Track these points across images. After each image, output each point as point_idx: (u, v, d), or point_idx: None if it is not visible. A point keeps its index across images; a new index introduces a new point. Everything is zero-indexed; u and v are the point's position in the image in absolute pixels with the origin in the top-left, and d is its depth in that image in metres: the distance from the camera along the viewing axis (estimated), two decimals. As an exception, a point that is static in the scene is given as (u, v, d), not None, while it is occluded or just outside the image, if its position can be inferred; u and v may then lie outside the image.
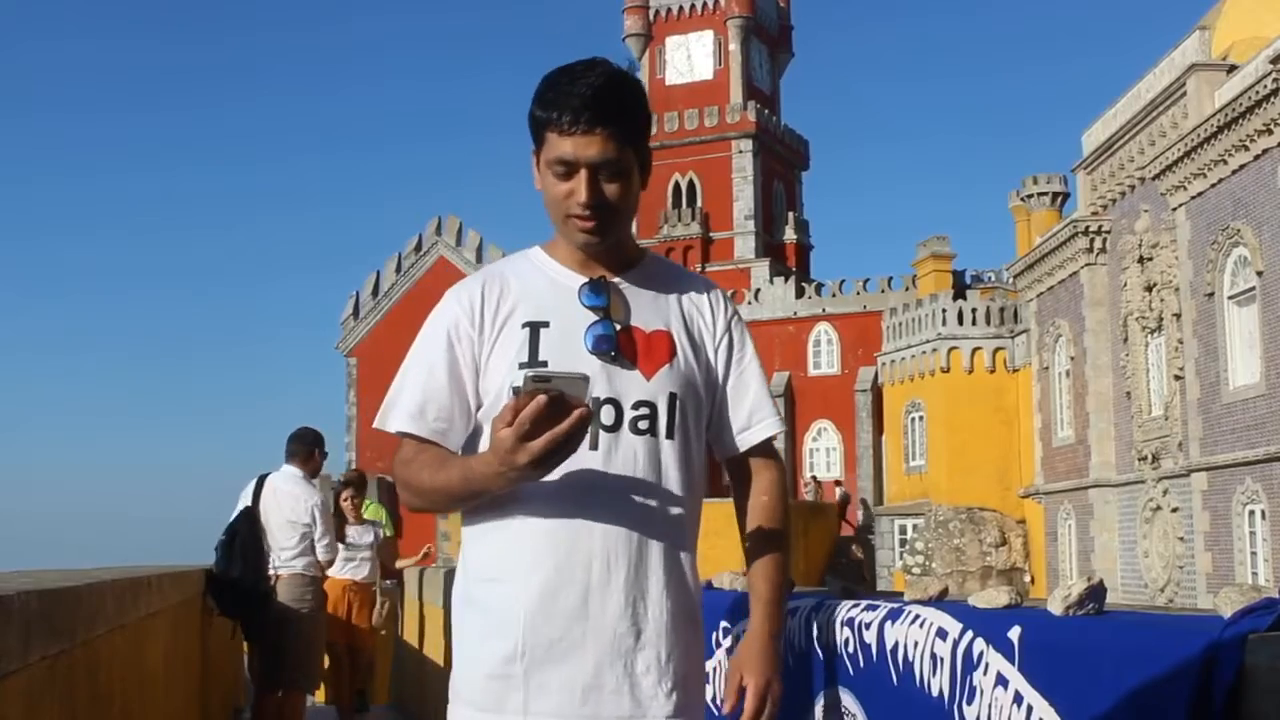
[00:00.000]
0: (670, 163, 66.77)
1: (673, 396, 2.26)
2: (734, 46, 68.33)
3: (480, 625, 2.21)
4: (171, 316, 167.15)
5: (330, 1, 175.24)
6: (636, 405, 2.23)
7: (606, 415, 2.20)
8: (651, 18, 69.62)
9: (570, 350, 2.23)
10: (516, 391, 2.16)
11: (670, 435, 2.25)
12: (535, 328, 2.25)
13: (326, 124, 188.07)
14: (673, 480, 2.25)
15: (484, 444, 2.24)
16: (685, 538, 2.30)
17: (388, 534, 11.27)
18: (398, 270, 63.10)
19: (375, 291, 63.25)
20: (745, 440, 2.38)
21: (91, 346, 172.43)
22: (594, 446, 2.18)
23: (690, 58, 69.01)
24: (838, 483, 52.91)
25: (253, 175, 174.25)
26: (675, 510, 2.26)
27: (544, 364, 2.21)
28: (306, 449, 8.09)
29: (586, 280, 2.28)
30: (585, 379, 2.03)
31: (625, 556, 2.20)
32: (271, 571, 7.81)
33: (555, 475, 2.08)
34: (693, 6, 68.91)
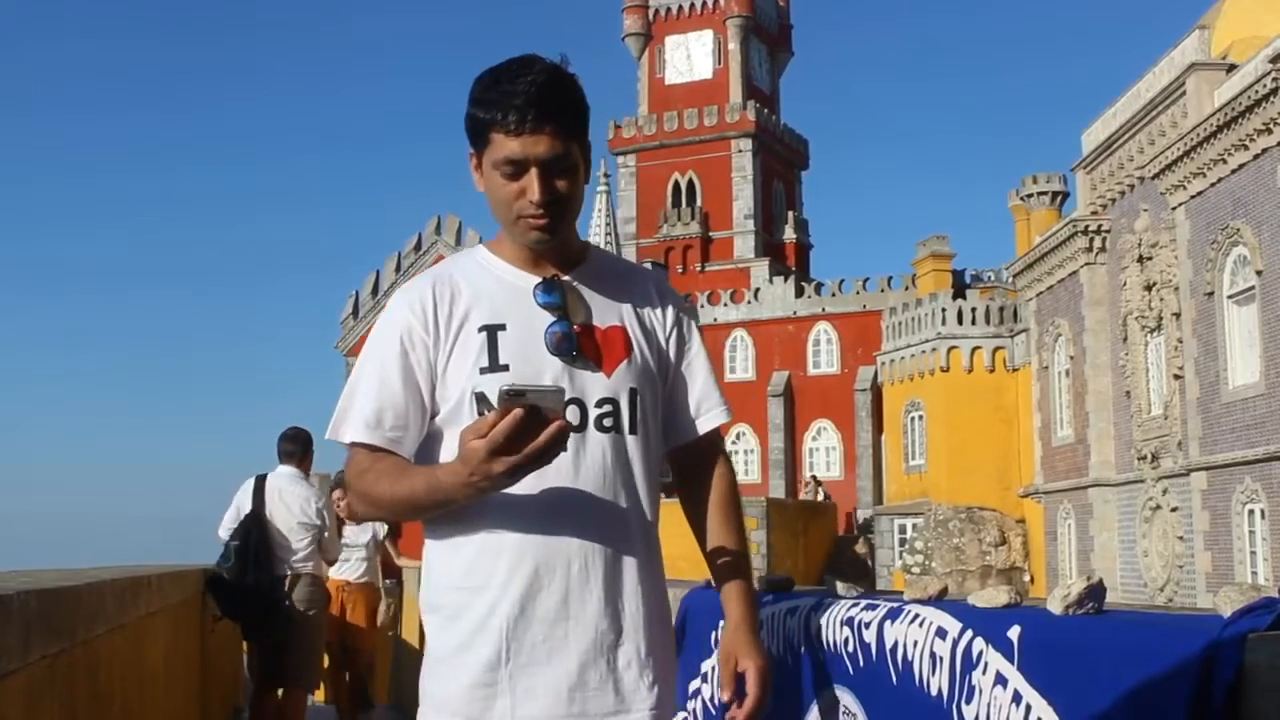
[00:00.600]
0: (670, 162, 66.77)
1: (633, 392, 2.27)
2: (733, 46, 68.31)
3: (460, 633, 2.20)
4: (171, 316, 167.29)
5: (330, 1, 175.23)
6: (600, 403, 2.23)
7: (571, 415, 2.19)
8: (651, 17, 69.59)
9: (531, 352, 2.22)
10: (479, 398, 2.18)
11: (634, 430, 2.26)
12: (493, 331, 2.23)
13: (326, 124, 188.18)
14: (638, 474, 2.27)
15: (444, 451, 2.22)
16: (653, 530, 2.32)
17: (384, 532, 11.28)
18: (397, 269, 63.12)
19: (375, 291, 63.28)
20: (699, 427, 2.40)
21: (91, 346, 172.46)
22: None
23: (690, 57, 69.00)
24: (817, 481, 53.03)
25: (253, 175, 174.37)
26: (643, 503, 2.28)
27: (505, 367, 2.19)
28: (301, 449, 8.06)
29: (540, 280, 2.27)
30: (561, 391, 2.02)
31: (602, 555, 2.21)
32: (286, 573, 7.78)
33: (525, 480, 2.07)
34: (692, 6, 68.88)
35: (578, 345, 2.23)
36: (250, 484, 7.85)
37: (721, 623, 3.50)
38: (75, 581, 3.54)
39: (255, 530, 7.62)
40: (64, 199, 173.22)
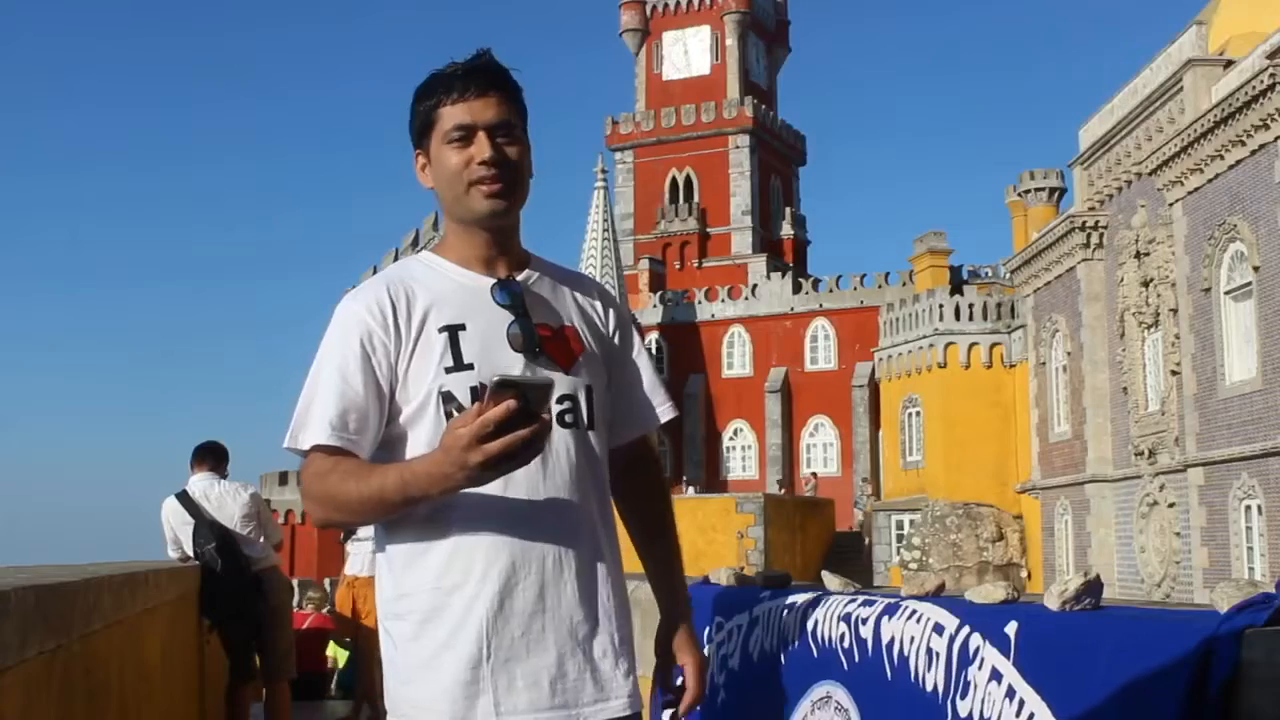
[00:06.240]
0: (667, 158, 66.73)
1: (589, 388, 2.32)
2: (731, 42, 68.26)
3: (437, 634, 2.20)
4: (169, 312, 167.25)
5: (331, 1, 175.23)
6: (561, 400, 2.27)
7: None
8: (648, 12, 69.54)
9: (493, 350, 2.24)
10: (445, 397, 2.20)
11: (591, 426, 2.31)
12: (454, 331, 2.25)
13: (323, 120, 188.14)
14: (599, 468, 2.32)
15: (409, 453, 2.23)
16: (613, 520, 2.37)
17: None
18: (395, 265, 63.10)
19: (372, 287, 63.25)
20: (644, 426, 2.47)
21: (91, 343, 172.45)
22: None
23: (687, 53, 68.94)
24: (815, 477, 53.09)
25: (249, 172, 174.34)
26: (605, 495, 2.34)
27: (470, 366, 2.22)
28: (215, 459, 7.99)
29: (496, 280, 2.30)
30: (551, 384, 2.03)
31: (574, 547, 2.24)
32: (256, 568, 7.80)
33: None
34: (690, 1, 68.83)
35: (540, 343, 2.27)
36: (173, 503, 7.74)
37: (718, 619, 3.53)
38: (73, 577, 3.54)
39: (216, 533, 7.59)
40: (62, 197, 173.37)
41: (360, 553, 10.17)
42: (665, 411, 2.48)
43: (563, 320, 2.34)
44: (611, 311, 2.46)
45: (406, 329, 2.25)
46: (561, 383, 2.27)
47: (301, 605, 14.72)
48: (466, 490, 2.11)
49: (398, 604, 2.25)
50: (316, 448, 2.21)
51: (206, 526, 7.60)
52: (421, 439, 2.19)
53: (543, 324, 2.30)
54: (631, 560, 2.58)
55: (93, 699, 3.87)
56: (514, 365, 2.23)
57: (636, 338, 2.51)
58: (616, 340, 2.44)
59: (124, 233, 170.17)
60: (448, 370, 2.22)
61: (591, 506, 2.28)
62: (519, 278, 2.33)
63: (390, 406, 2.24)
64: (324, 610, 13.82)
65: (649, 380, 2.48)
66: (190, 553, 7.66)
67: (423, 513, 2.18)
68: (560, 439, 2.25)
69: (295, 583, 18.33)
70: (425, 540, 2.22)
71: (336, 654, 13.15)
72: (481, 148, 2.24)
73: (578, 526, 2.25)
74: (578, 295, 2.42)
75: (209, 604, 7.69)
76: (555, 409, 2.24)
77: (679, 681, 2.45)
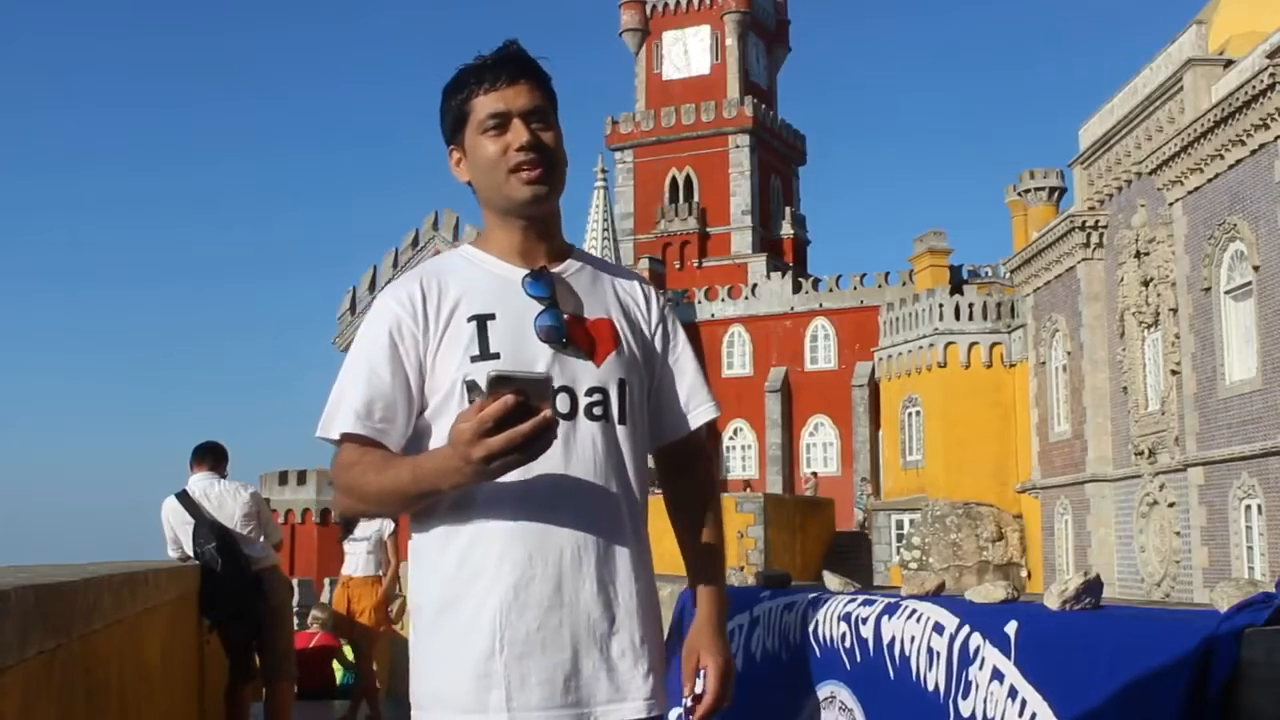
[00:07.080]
0: (667, 158, 66.70)
1: (622, 382, 2.29)
2: (731, 41, 68.22)
3: (454, 626, 2.19)
4: (170, 313, 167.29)
5: (331, 1, 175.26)
6: (590, 392, 2.25)
7: (562, 403, 2.21)
8: (648, 12, 69.50)
9: (520, 340, 2.23)
10: (470, 385, 2.18)
11: (623, 420, 2.28)
12: (482, 320, 2.24)
13: (324, 120, 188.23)
14: (628, 463, 2.28)
15: (434, 444, 2.22)
16: (642, 518, 2.33)
17: (390, 530, 11.34)
18: (395, 265, 63.14)
19: (372, 287, 63.30)
20: (689, 423, 2.42)
21: (91, 343, 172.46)
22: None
23: (687, 52, 68.91)
24: (815, 476, 53.10)
25: (250, 172, 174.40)
26: (633, 492, 2.29)
27: (496, 355, 2.20)
28: (214, 459, 7.99)
29: (529, 271, 2.30)
30: (549, 380, 2.02)
31: (594, 542, 2.21)
32: (256, 568, 7.81)
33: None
34: (689, 1, 68.78)
35: (567, 333, 2.25)
36: (173, 503, 7.74)
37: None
38: (73, 577, 3.53)
39: (216, 533, 7.58)
40: (62, 197, 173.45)
41: (356, 553, 10.22)
42: (705, 411, 2.42)
43: (599, 313, 2.32)
44: (654, 309, 2.43)
45: (435, 319, 2.25)
46: (591, 375, 2.25)
47: (307, 625, 14.75)
48: (488, 483, 2.09)
49: (422, 594, 2.25)
50: (346, 437, 2.22)
51: (206, 526, 7.60)
52: (446, 429, 2.16)
53: (574, 315, 2.28)
54: (667, 563, 2.54)
55: (93, 699, 3.87)
56: (540, 356, 2.22)
57: (681, 336, 2.46)
58: (658, 336, 2.41)
59: (124, 233, 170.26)
60: (473, 359, 2.21)
61: (617, 502, 2.25)
62: (558, 269, 2.32)
63: (420, 397, 2.25)
64: (328, 628, 13.85)
65: (690, 380, 2.42)
66: (190, 552, 7.66)
67: (445, 504, 2.18)
68: (586, 432, 2.23)
69: (295, 582, 18.35)
70: (446, 532, 2.21)
71: (339, 674, 13.16)
72: (518, 134, 2.25)
73: (600, 522, 2.22)
74: (619, 290, 2.39)
75: (209, 604, 7.68)
76: (583, 401, 2.23)
77: (700, 684, 2.38)
